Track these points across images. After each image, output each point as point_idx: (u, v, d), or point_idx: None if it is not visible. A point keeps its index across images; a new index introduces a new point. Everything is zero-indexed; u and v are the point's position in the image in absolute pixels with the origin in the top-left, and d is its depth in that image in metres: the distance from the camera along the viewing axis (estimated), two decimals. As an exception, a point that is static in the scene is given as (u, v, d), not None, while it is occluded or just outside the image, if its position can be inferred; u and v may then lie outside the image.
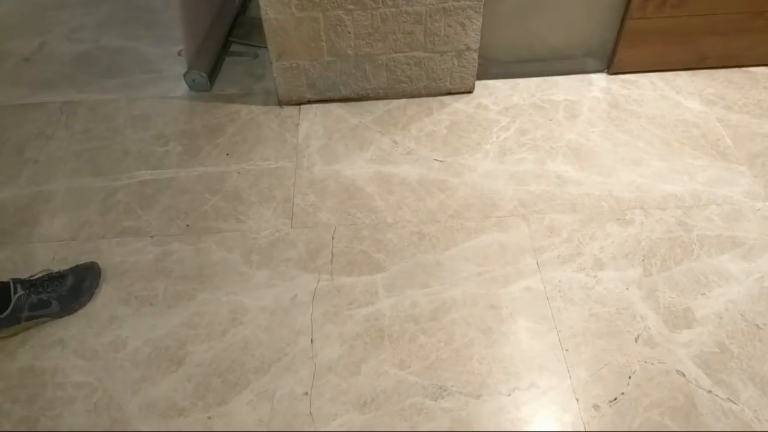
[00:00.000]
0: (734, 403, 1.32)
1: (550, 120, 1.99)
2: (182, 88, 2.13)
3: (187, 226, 1.70)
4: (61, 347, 1.45)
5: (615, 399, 1.33)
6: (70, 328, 1.48)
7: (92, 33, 2.43)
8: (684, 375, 1.37)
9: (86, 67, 2.27)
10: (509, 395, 1.34)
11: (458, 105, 2.04)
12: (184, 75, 2.10)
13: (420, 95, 2.06)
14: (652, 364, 1.38)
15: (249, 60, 2.26)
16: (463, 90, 2.07)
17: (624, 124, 1.96)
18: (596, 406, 1.32)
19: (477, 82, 2.08)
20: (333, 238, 1.66)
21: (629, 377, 1.36)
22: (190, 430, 1.30)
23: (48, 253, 1.64)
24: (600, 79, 2.13)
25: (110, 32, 2.43)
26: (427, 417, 1.31)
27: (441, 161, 1.86)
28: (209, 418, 1.32)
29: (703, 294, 1.51)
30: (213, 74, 2.17)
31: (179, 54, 2.24)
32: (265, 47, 1.92)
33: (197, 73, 2.09)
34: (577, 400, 1.33)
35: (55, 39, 2.40)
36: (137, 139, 1.96)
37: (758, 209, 1.70)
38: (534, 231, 1.66)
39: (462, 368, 1.39)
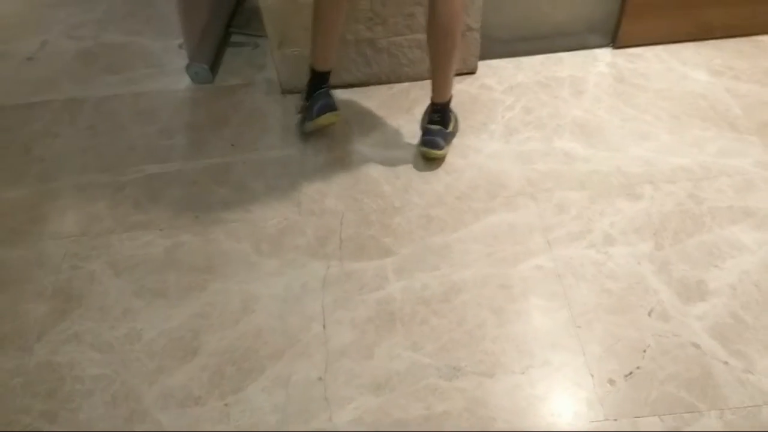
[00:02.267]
0: (751, 373, 1.31)
1: (556, 97, 1.97)
2: (185, 80, 2.13)
3: (196, 217, 1.70)
4: (77, 341, 1.46)
5: (630, 373, 1.33)
6: (85, 322, 1.49)
7: (92, 30, 2.43)
8: (699, 347, 1.36)
9: (88, 63, 2.27)
10: (523, 373, 1.34)
11: (462, 86, 2.03)
12: (186, 68, 2.10)
13: (423, 78, 2.04)
14: (667, 337, 1.38)
15: (250, 50, 2.25)
16: (466, 71, 2.05)
17: (631, 99, 1.94)
18: (611, 381, 1.32)
19: (480, 63, 2.07)
20: (341, 224, 1.66)
21: (644, 351, 1.36)
22: (208, 418, 1.31)
23: (59, 250, 1.65)
24: (605, 54, 2.11)
25: (110, 28, 2.43)
26: (441, 397, 1.32)
27: (447, 143, 1.85)
28: (226, 405, 1.33)
29: (716, 266, 1.50)
30: (215, 66, 2.17)
31: (180, 47, 2.23)
32: (266, 36, 1.92)
33: (199, 66, 2.09)
34: (592, 375, 1.33)
35: (56, 37, 2.41)
36: (142, 134, 1.96)
37: (770, 179, 1.68)
38: (543, 209, 1.65)
39: (475, 348, 1.39)
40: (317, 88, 1.79)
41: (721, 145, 1.78)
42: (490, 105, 1.96)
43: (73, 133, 1.99)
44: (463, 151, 1.82)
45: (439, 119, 1.75)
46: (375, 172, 1.78)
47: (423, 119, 1.82)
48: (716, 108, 1.89)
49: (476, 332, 1.42)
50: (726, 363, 1.33)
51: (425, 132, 1.77)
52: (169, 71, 2.19)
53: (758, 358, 1.33)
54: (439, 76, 1.70)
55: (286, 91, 2.04)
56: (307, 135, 1.89)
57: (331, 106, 1.81)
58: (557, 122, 1.88)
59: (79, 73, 2.23)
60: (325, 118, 1.81)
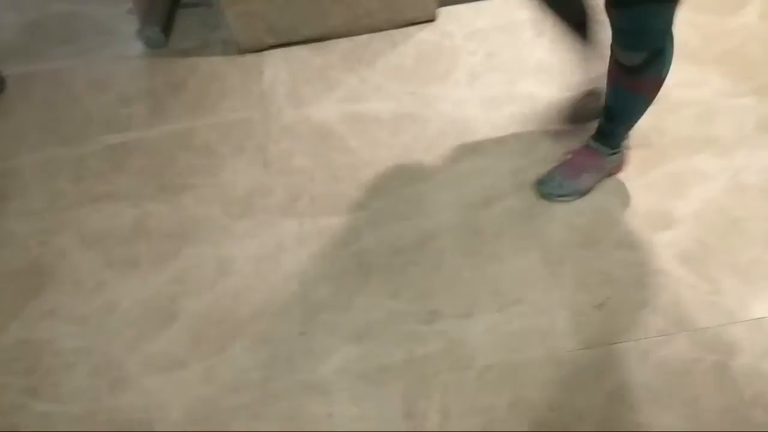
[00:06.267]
0: (717, 294, 1.36)
1: (517, 40, 1.96)
2: (138, 46, 2.06)
3: (162, 185, 1.67)
4: (52, 317, 1.45)
5: (602, 303, 1.37)
6: (59, 297, 1.48)
7: (37, 1, 2.32)
8: (666, 273, 1.40)
9: (37, 36, 2.18)
10: (499, 312, 1.37)
11: (423, 35, 2.00)
12: (138, 33, 2.03)
13: (382, 29, 2.01)
14: (635, 266, 1.42)
15: (203, 10, 2.18)
16: (425, 19, 2.02)
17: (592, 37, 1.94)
18: (584, 312, 1.35)
19: (439, 9, 2.04)
20: (311, 182, 1.65)
21: (613, 281, 1.40)
22: (192, 379, 1.32)
23: (26, 228, 1.61)
24: (564, -6, 2.09)
25: (55, -3, 2.32)
26: (422, 341, 1.34)
27: (411, 94, 1.83)
28: (211, 366, 1.34)
29: (681, 194, 1.54)
30: (167, 29, 2.10)
31: (129, 12, 2.15)
32: (219, -6, 1.86)
33: (151, 29, 2.02)
34: (565, 308, 1.36)
35: (0, 11, 2.30)
36: (99, 104, 1.91)
37: (729, 106, 1.71)
38: (510, 152, 1.66)
39: (451, 292, 1.41)
40: None
41: (681, 77, 1.79)
42: (453, 52, 1.94)
43: (27, 108, 1.93)
44: (429, 101, 1.81)
45: None
46: (341, 127, 1.77)
47: None
48: (675, 40, 1.90)
49: (452, 276, 1.44)
50: (693, 286, 1.38)
51: None
52: (121, 38, 2.12)
53: (723, 279, 1.38)
54: None
55: (243, 51, 1.99)
56: (266, 93, 1.85)
57: None
58: (520, 65, 1.88)
59: (27, 46, 2.14)
60: None
